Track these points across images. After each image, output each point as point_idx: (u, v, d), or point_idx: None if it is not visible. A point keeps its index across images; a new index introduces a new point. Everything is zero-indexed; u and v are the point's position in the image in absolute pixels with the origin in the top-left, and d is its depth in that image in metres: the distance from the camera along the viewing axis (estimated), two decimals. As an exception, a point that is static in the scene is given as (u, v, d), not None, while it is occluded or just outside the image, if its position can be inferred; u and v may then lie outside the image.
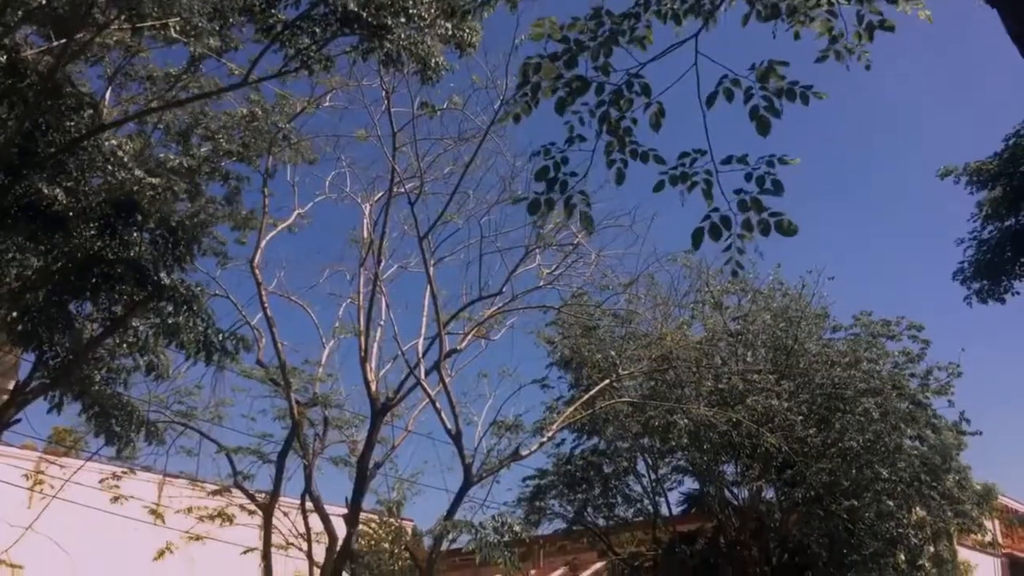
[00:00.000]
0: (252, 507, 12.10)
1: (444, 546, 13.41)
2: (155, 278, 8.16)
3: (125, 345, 9.47)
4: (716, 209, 3.93)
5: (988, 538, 20.84)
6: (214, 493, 12.46)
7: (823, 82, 4.23)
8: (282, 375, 12.05)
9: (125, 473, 11.97)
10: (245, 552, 11.99)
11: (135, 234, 8.20)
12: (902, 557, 17.09)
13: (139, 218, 8.31)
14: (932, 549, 18.94)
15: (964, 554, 22.26)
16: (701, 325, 17.43)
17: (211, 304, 10.39)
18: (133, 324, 9.10)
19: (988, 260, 11.21)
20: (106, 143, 8.39)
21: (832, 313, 17.58)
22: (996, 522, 23.38)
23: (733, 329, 16.62)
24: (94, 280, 8.00)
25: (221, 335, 8.81)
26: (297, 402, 12.19)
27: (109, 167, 8.37)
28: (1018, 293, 11.59)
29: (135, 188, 8.41)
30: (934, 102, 51.74)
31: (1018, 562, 30.23)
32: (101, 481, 11.71)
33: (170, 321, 8.45)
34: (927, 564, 18.99)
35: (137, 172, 8.55)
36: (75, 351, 8.40)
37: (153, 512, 11.93)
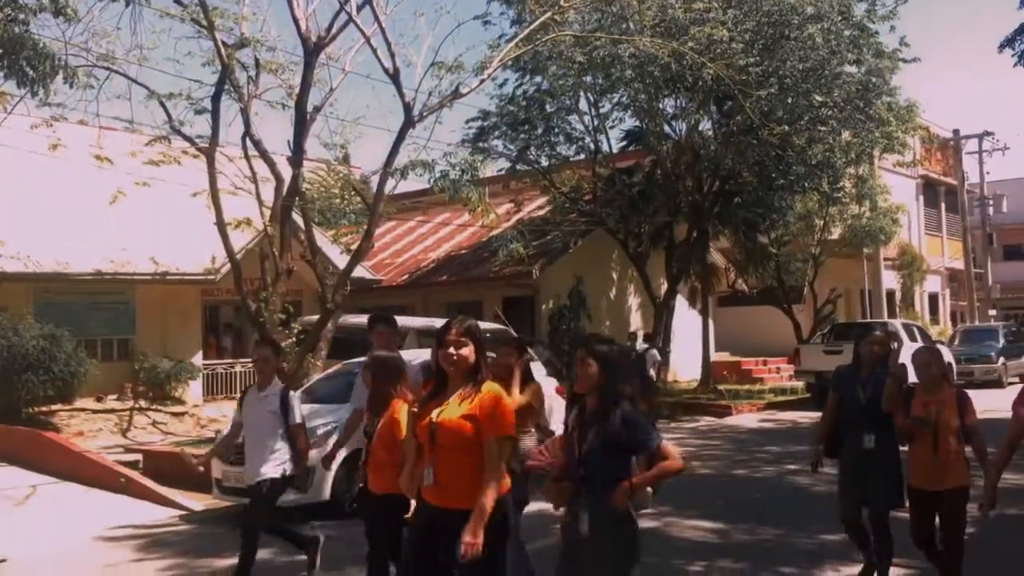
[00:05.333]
0: (195, 152, 12.08)
1: (390, 188, 13.78)
2: None
3: (23, -19, 8.72)
4: None
5: (909, 157, 21.99)
6: (153, 141, 12.30)
7: None
8: (203, 14, 11.33)
9: (57, 120, 11.65)
10: (195, 195, 12.17)
11: None
12: (825, 181, 18.19)
13: None
14: (854, 171, 20.14)
15: (883, 177, 23.76)
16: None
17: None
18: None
19: None
20: None
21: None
22: (917, 141, 24.52)
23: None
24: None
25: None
26: (224, 44, 11.63)
27: None
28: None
29: None
30: None
31: (931, 183, 32.52)
32: (33, 127, 11.42)
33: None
34: (847, 185, 20.33)
35: None
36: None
37: (97, 157, 11.84)
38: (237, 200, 12.34)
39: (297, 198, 12.11)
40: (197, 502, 8.94)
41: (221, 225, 11.64)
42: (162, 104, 11.83)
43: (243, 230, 12.64)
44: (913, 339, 18.12)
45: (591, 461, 3.57)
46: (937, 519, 4.95)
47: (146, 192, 12.62)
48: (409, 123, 12.04)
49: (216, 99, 11.69)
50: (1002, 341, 22.30)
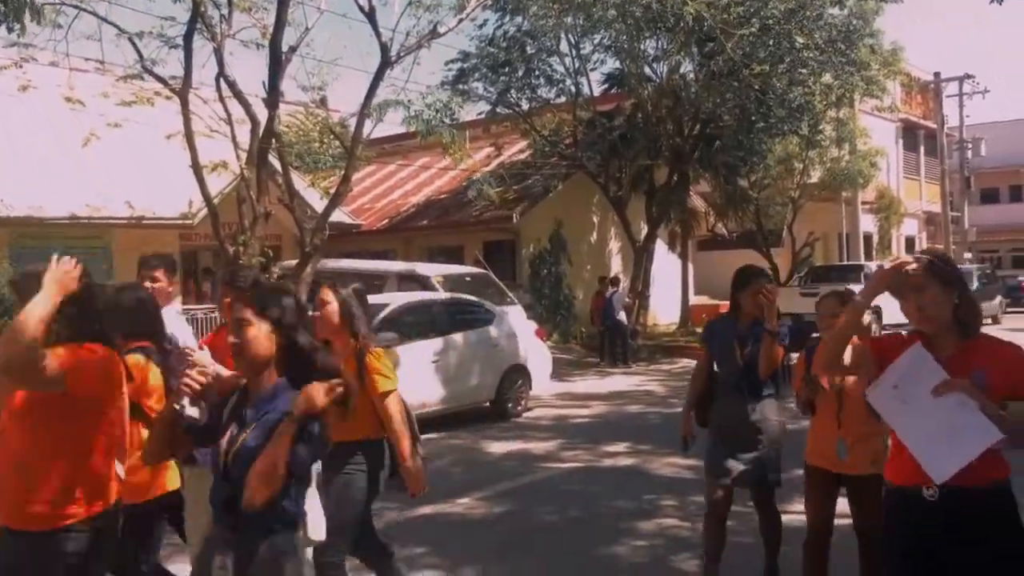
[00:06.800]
0: (168, 93, 11.83)
1: (368, 131, 13.60)
2: None
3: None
4: None
5: (889, 101, 22.00)
6: (124, 79, 12.03)
7: None
8: (173, -51, 11.02)
9: (27, 60, 11.35)
10: (169, 137, 11.96)
11: None
12: (805, 124, 18.17)
13: None
14: (834, 114, 20.11)
15: (863, 120, 23.74)
16: None
17: None
18: None
19: None
20: None
21: None
22: (898, 85, 24.48)
23: None
24: None
25: None
26: (195, -19, 11.32)
27: None
28: None
29: None
30: None
31: (910, 126, 32.57)
32: (1, 68, 11.13)
33: None
34: (827, 128, 20.33)
35: None
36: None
37: (68, 99, 11.58)
38: (213, 143, 12.13)
39: (274, 140, 11.94)
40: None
41: (197, 168, 11.48)
42: (132, 43, 11.55)
43: (219, 173, 12.45)
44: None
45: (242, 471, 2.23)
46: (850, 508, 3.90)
47: (120, 135, 12.40)
48: (386, 63, 11.84)
49: (188, 38, 11.41)
50: (976, 283, 22.65)
